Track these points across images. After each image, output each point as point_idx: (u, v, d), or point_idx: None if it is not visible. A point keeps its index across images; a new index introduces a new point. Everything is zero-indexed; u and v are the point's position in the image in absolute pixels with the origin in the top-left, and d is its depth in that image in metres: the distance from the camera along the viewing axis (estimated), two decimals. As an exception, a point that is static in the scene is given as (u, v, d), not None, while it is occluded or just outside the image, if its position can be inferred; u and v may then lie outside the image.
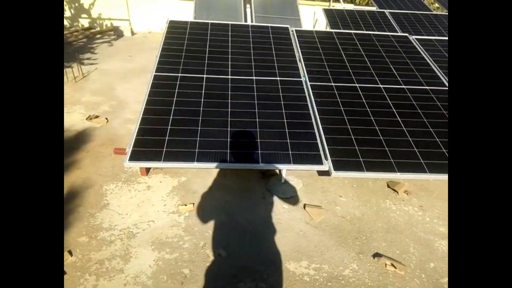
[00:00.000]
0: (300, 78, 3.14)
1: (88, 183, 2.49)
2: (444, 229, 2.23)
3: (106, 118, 3.49)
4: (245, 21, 6.38)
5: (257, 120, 2.69)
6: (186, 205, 2.30)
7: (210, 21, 3.76)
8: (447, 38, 3.90)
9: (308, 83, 3.07)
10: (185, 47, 3.38)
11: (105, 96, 4.10)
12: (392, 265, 1.89)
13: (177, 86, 2.95)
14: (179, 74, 3.07)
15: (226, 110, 2.76)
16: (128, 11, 7.94)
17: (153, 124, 2.60)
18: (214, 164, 2.35)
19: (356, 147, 2.50)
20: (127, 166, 2.41)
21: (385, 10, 6.28)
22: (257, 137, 2.54)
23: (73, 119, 3.46)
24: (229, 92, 2.94)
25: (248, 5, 6.79)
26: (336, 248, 2.02)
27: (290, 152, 2.44)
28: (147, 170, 2.69)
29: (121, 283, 1.71)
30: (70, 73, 4.68)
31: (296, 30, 3.76)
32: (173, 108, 2.74)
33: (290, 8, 6.56)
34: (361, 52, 3.54)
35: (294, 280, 1.78)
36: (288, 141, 2.53)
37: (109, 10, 7.91)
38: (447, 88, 3.11)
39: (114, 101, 3.99)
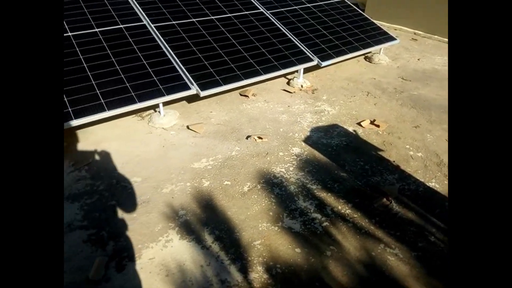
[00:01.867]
0: (142, 22, 3.34)
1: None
2: (283, 108, 3.23)
3: None
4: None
5: (118, 67, 2.85)
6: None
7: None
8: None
9: (152, 25, 3.32)
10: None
11: None
12: (259, 137, 2.73)
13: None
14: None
15: (82, 66, 2.77)
16: None
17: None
18: (93, 117, 2.49)
19: (211, 70, 3.10)
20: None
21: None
22: (125, 82, 2.76)
23: None
24: (77, 49, 2.89)
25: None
26: (221, 143, 2.70)
27: (161, 87, 2.82)
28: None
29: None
30: None
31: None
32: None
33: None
34: (186, -10, 3.94)
35: (201, 171, 2.38)
36: (155, 78, 2.87)
37: None
38: (261, 10, 4.00)
39: None
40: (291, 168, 2.42)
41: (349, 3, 4.62)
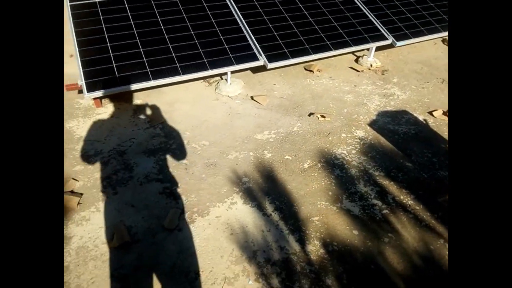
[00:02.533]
0: (216, -13, 3.36)
1: (49, 125, 2.53)
2: (348, 88, 3.14)
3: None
4: None
5: (192, 32, 2.95)
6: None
7: None
8: None
9: (225, -8, 3.33)
10: (86, -32, 3.11)
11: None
12: (322, 116, 2.72)
13: (100, 13, 2.87)
14: (96, 0, 2.94)
15: (159, 28, 2.91)
16: None
17: (94, 54, 2.63)
18: (168, 79, 2.65)
19: (280, 41, 3.07)
20: (88, 98, 2.51)
21: None
22: (198, 48, 2.86)
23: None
24: (156, 10, 3.02)
25: None
26: (284, 117, 2.74)
27: (231, 56, 2.87)
28: (101, 101, 2.80)
29: (136, 185, 2.11)
30: None
31: None
32: (106, 35, 2.76)
33: None
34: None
35: (263, 143, 2.46)
36: (226, 46, 2.93)
37: None
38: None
39: None
40: (353, 151, 2.40)
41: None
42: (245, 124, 2.64)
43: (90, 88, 2.44)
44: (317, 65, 3.43)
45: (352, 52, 3.65)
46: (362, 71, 3.39)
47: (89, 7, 2.91)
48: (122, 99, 2.87)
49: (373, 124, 2.68)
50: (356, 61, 3.55)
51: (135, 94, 2.94)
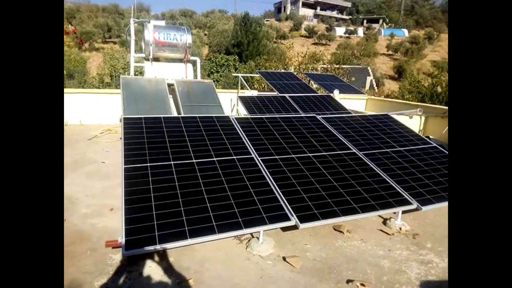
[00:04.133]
0: (251, 155, 3.88)
1: (77, 284, 2.45)
2: (382, 252, 3.05)
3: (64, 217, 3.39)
4: (170, 108, 7.05)
5: (229, 193, 3.21)
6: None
7: (162, 116, 4.30)
8: (341, 115, 5.40)
9: (258, 158, 3.82)
10: (145, 139, 3.78)
11: (47, 195, 3.92)
12: (362, 284, 2.54)
13: (149, 175, 3.27)
14: (148, 164, 3.41)
15: (200, 189, 3.20)
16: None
17: (138, 212, 2.82)
18: (204, 238, 2.71)
19: (309, 203, 3.26)
20: (126, 255, 2.52)
21: (285, 94, 7.97)
22: (234, 207, 3.04)
23: (23, 224, 3.24)
24: (198, 173, 3.42)
25: (171, 96, 7.56)
26: (320, 284, 2.57)
27: (264, 215, 3.01)
28: (133, 258, 2.79)
29: None
30: None
31: (235, 117, 4.63)
32: (152, 194, 3.03)
33: (210, 96, 7.62)
34: (287, 130, 4.60)
35: (302, 315, 2.22)
36: (259, 206, 3.11)
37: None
38: (353, 151, 4.33)
39: (60, 198, 3.86)
40: (406, 331, 2.11)
41: (441, 149, 4.72)
42: (280, 291, 2.47)
43: (130, 246, 2.49)
44: (346, 225, 3.48)
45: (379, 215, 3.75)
46: (393, 234, 3.38)
47: (140, 170, 3.34)
48: (154, 255, 2.85)
49: (420, 297, 2.45)
50: (384, 223, 3.60)
51: (168, 251, 2.93)
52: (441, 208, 4.03)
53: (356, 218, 3.27)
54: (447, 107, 6.65)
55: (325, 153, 4.18)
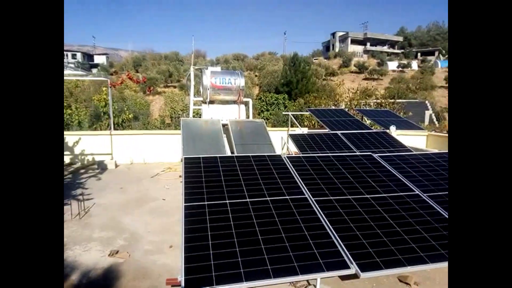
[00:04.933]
0: (304, 195, 3.83)
1: (138, 321, 2.54)
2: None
3: (128, 252, 3.62)
4: (224, 147, 7.38)
5: (283, 235, 3.16)
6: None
7: (219, 155, 4.53)
8: (400, 153, 5.12)
9: (312, 199, 3.75)
10: (203, 178, 3.97)
11: (114, 230, 4.25)
12: None
13: (206, 213, 3.39)
14: (206, 202, 3.56)
15: (254, 230, 3.20)
16: (111, 146, 8.60)
17: (196, 251, 2.90)
18: (260, 282, 2.65)
19: (370, 249, 3.04)
20: (183, 295, 2.57)
21: (337, 132, 7.86)
22: (289, 251, 2.97)
23: (94, 256, 3.52)
24: (252, 213, 3.44)
25: (225, 135, 7.96)
26: None
27: (321, 261, 2.87)
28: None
29: None
30: (69, 211, 4.81)
31: (287, 156, 4.68)
32: (209, 233, 3.12)
33: (262, 135, 7.85)
34: (342, 169, 4.48)
35: None
36: (316, 251, 2.99)
37: (92, 146, 8.49)
38: (417, 193, 4.03)
39: (125, 234, 4.15)
40: None
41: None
42: None
43: (189, 285, 2.54)
44: (413, 276, 3.14)
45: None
46: (471, 290, 2.96)
47: (198, 208, 3.48)
48: (208, 297, 2.85)
49: None
50: (459, 276, 3.18)
51: (222, 293, 2.92)
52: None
53: (424, 269, 2.95)
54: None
55: (385, 195, 3.94)
